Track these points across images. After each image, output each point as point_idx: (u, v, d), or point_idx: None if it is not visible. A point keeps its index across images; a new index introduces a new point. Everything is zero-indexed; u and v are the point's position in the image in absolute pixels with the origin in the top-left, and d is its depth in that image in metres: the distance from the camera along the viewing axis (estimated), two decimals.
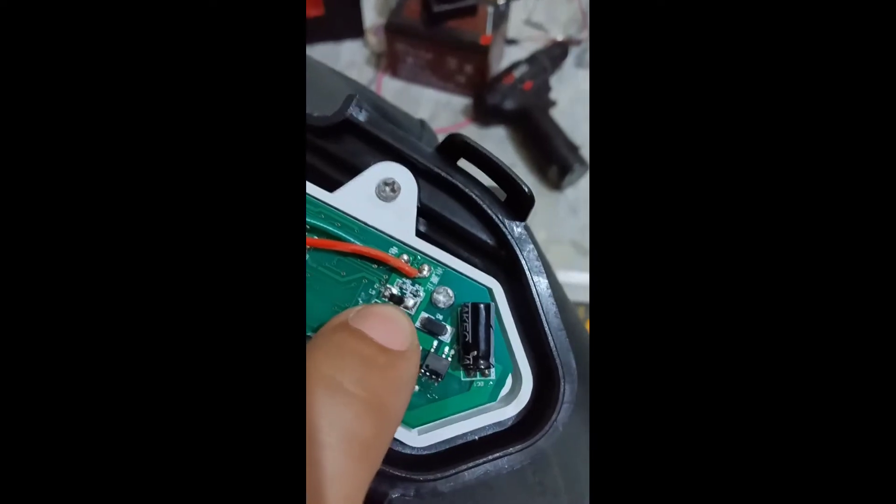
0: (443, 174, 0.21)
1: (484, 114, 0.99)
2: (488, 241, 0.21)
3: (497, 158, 0.20)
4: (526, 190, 0.20)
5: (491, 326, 0.20)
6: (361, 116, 0.21)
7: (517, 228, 0.21)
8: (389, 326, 0.17)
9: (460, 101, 1.04)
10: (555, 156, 0.95)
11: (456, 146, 0.21)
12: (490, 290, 0.21)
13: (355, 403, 0.16)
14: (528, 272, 0.21)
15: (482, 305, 0.20)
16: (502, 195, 0.22)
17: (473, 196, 0.21)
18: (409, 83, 1.03)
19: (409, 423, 0.20)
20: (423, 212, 0.22)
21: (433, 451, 0.20)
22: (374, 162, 0.21)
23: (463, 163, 0.22)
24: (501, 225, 0.21)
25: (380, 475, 0.19)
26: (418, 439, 0.20)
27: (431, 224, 0.22)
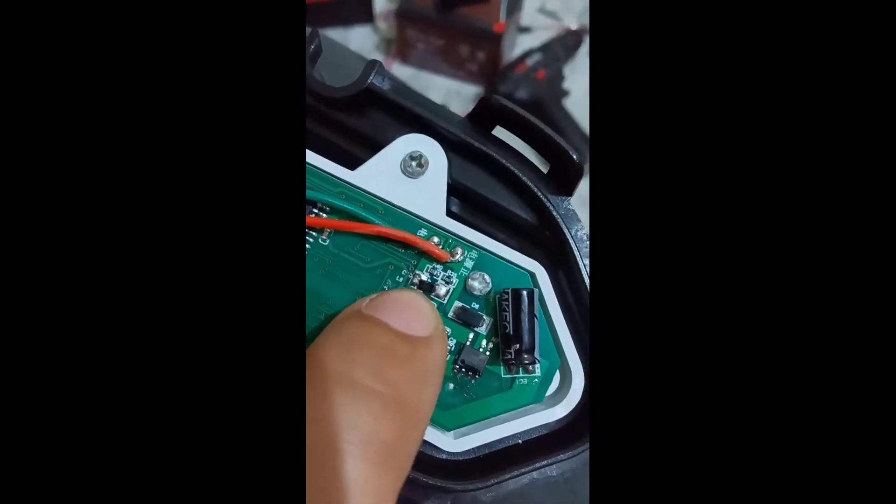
0: (475, 144, 0.19)
1: None
2: (529, 219, 0.19)
3: (539, 123, 0.18)
4: (575, 158, 0.18)
5: (535, 316, 0.17)
6: (385, 85, 0.19)
7: (563, 204, 0.19)
8: (408, 311, 0.16)
9: (471, 90, 1.01)
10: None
11: (490, 111, 0.19)
12: (532, 275, 0.18)
13: (372, 400, 0.14)
14: (576, 253, 0.18)
15: (524, 291, 0.17)
16: (545, 167, 0.19)
17: (512, 168, 0.19)
18: (420, 70, 1.01)
19: (445, 425, 0.18)
20: (455, 189, 0.19)
21: (471, 456, 0.18)
22: (399, 135, 0.19)
23: (498, 132, 0.19)
24: (545, 200, 0.19)
25: (412, 483, 0.17)
26: (454, 443, 0.18)
27: (464, 202, 0.20)
